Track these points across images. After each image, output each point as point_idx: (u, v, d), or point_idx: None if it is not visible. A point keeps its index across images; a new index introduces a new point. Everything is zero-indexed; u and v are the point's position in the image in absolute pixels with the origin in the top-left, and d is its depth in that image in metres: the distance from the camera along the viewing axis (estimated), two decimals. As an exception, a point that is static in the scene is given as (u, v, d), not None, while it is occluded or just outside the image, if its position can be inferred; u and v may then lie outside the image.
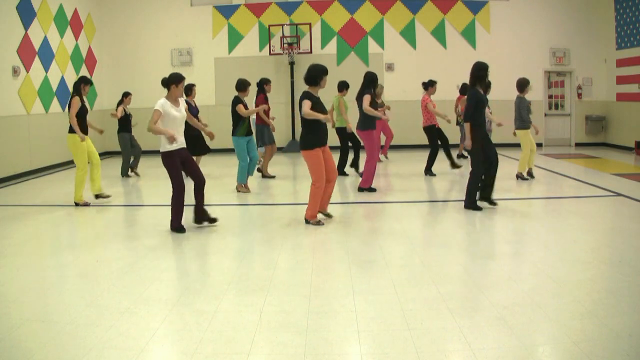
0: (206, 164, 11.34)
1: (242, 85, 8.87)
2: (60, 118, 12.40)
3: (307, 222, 6.60)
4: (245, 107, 8.73)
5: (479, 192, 7.14)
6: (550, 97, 15.05)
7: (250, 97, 9.75)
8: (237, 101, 8.69)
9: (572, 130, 14.97)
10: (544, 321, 3.59)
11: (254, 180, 9.75)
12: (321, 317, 3.77)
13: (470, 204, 7.10)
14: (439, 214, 7.42)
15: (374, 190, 8.46)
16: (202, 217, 6.42)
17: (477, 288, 4.23)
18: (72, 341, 3.45)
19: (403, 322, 3.62)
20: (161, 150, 6.03)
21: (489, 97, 7.67)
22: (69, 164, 12.70)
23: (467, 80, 12.51)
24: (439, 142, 10.32)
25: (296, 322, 3.68)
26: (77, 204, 7.90)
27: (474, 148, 6.90)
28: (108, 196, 8.31)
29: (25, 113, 11.10)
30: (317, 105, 6.33)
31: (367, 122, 8.29)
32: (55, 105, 12.22)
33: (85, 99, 8.09)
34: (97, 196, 8.25)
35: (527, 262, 4.97)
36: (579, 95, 14.78)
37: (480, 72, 6.81)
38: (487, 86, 7.48)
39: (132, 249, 5.78)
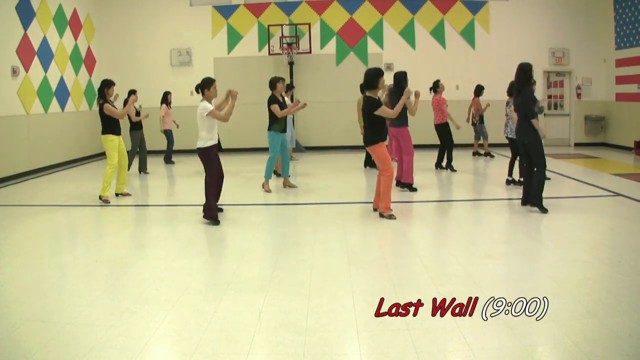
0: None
1: (270, 84, 8.91)
2: (60, 118, 12.43)
3: (381, 215, 6.81)
4: (280, 105, 8.75)
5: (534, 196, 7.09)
6: (549, 97, 15.06)
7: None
8: (271, 100, 8.76)
9: (572, 130, 14.98)
10: (543, 321, 3.59)
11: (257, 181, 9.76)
12: (321, 317, 3.77)
13: (539, 202, 6.98)
14: (438, 213, 7.42)
15: (414, 189, 8.58)
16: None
17: (476, 288, 4.24)
18: (72, 341, 3.45)
19: (402, 322, 3.62)
20: (201, 145, 6.64)
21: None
22: (69, 163, 12.72)
23: (467, 81, 12.76)
24: (440, 141, 10.62)
25: (296, 322, 3.68)
26: (100, 198, 8.22)
27: (536, 144, 6.95)
28: (128, 194, 8.67)
29: (24, 113, 11.09)
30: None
31: (400, 119, 8.35)
32: (54, 105, 12.22)
33: (111, 100, 8.41)
34: (117, 194, 8.57)
35: (527, 262, 4.98)
36: (578, 95, 14.80)
37: (526, 73, 7.01)
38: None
39: (132, 249, 5.79)
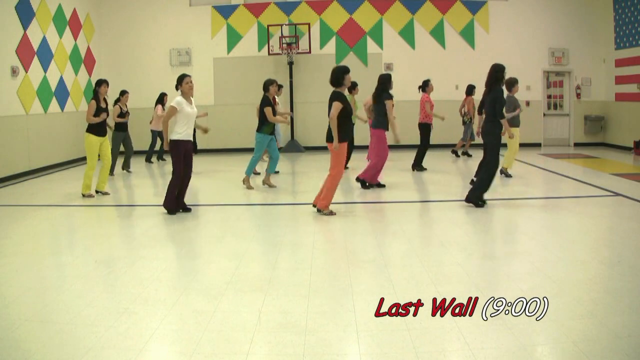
0: (210, 163, 11.36)
1: (264, 86, 8.95)
2: (59, 118, 12.42)
3: (319, 211, 6.93)
4: (273, 108, 8.80)
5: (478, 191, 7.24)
6: (549, 97, 15.08)
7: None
8: (265, 102, 8.80)
9: (571, 130, 14.99)
10: (542, 321, 3.59)
11: (257, 179, 9.77)
12: (320, 317, 3.77)
13: (476, 198, 7.20)
14: (437, 213, 7.42)
15: (382, 186, 8.84)
16: (178, 206, 7.24)
17: (475, 288, 4.23)
18: (71, 341, 3.44)
19: (402, 322, 3.62)
20: (171, 137, 6.95)
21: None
22: (68, 164, 12.72)
23: (466, 81, 12.77)
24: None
25: (295, 322, 3.67)
26: (83, 195, 8.50)
27: (495, 144, 7.15)
28: (107, 193, 8.73)
29: (24, 113, 11.08)
30: (347, 105, 6.77)
31: (380, 122, 8.58)
32: (54, 105, 12.21)
33: (103, 100, 8.55)
34: (97, 192, 8.67)
35: (526, 262, 4.97)
36: (578, 95, 14.80)
37: (497, 73, 7.18)
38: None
39: (131, 249, 5.78)
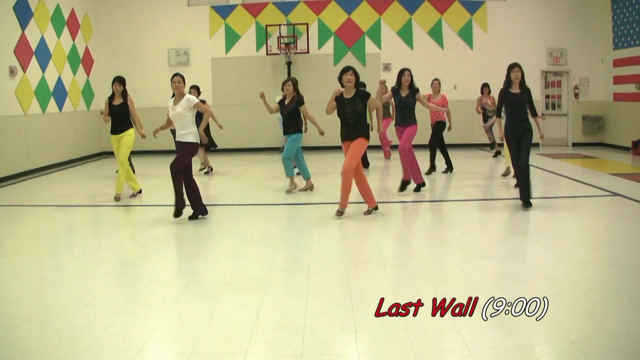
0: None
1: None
2: (58, 118, 12.40)
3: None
4: (281, 108, 8.72)
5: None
6: (547, 97, 15.08)
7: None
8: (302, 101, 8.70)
9: (569, 130, 15.00)
10: (541, 321, 3.59)
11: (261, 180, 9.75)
12: (318, 317, 3.77)
13: (527, 202, 7.11)
14: (437, 213, 7.42)
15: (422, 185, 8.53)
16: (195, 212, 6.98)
17: (474, 288, 4.24)
18: (69, 341, 3.44)
19: (400, 322, 3.62)
20: None
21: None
22: (66, 164, 12.70)
23: (465, 81, 12.79)
24: (436, 141, 10.52)
25: (293, 322, 3.67)
26: (131, 196, 8.53)
27: (508, 143, 7.23)
28: (136, 195, 8.62)
29: (22, 113, 11.06)
30: (341, 105, 7.09)
31: (410, 118, 8.48)
32: (52, 105, 12.19)
33: (120, 97, 8.40)
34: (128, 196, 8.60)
35: (525, 262, 4.98)
36: (576, 95, 14.81)
37: (507, 72, 7.32)
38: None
39: (130, 249, 5.78)
